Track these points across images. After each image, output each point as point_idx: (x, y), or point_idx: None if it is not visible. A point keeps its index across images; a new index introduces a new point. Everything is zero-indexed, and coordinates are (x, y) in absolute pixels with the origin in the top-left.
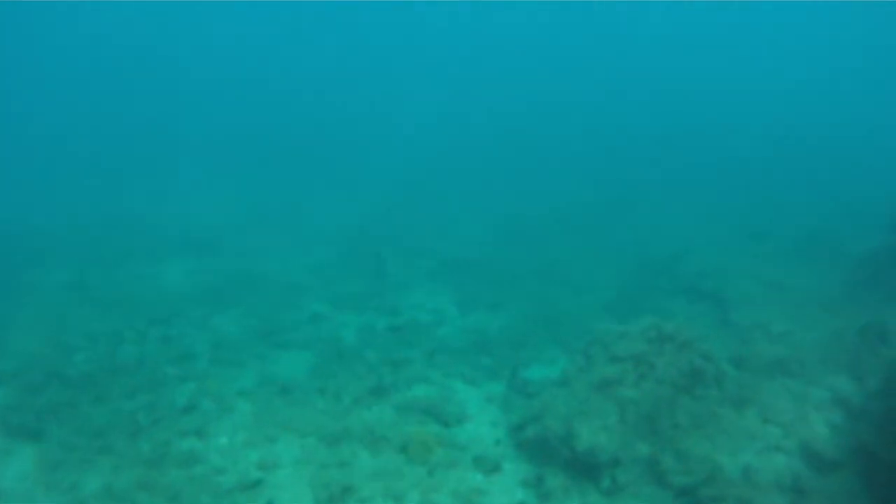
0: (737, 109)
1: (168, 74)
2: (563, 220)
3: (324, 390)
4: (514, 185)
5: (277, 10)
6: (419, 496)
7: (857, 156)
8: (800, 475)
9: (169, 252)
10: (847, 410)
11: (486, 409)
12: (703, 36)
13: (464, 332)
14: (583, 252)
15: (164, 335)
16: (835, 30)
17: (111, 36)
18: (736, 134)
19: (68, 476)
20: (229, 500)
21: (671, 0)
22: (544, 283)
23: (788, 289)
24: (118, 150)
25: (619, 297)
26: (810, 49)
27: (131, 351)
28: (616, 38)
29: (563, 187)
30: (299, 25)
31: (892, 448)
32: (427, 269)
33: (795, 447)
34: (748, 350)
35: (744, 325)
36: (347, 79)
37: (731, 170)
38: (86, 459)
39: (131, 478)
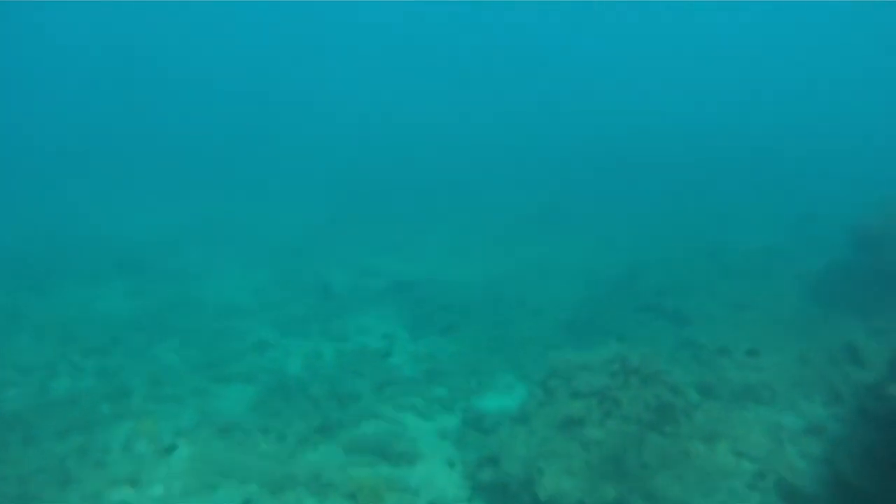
0: (687, 122)
1: (104, 83)
2: (513, 236)
3: (267, 429)
4: (463, 198)
5: (213, 15)
6: None
7: (811, 169)
8: None
9: (106, 273)
10: (822, 439)
11: (439, 446)
12: (659, 48)
13: (415, 360)
14: (535, 269)
15: (101, 367)
16: (792, 39)
17: (47, 40)
18: (686, 146)
19: None
20: None
21: (618, 5)
22: (497, 302)
23: (750, 307)
24: (52, 163)
25: (577, 317)
26: (766, 59)
27: (65, 385)
28: (562, 47)
29: (510, 201)
30: (233, 29)
31: (871, 479)
32: (376, 290)
33: (771, 485)
34: (716, 376)
35: (709, 347)
36: (291, 86)
37: (682, 183)
38: None
39: None
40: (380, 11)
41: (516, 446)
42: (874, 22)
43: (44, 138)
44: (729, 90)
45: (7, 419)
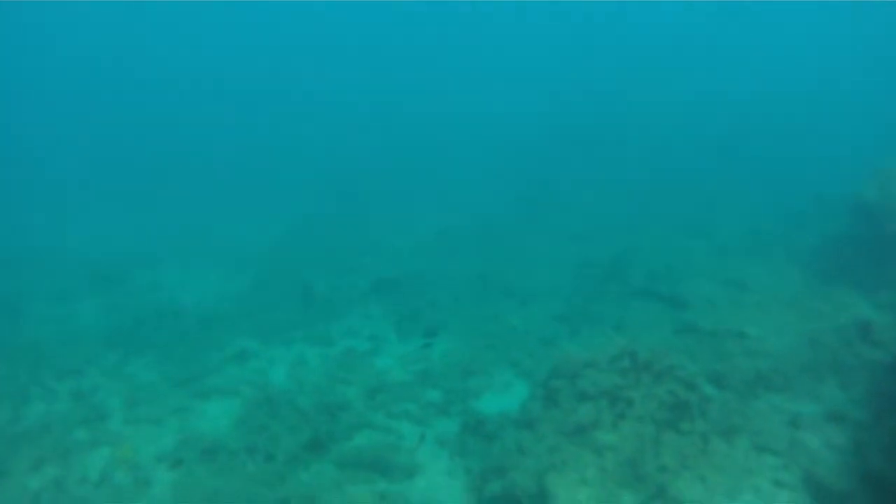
0: (665, 103)
1: (73, 88)
2: (493, 224)
3: (254, 449)
4: (440, 190)
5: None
6: None
7: (798, 147)
8: None
9: (77, 289)
10: (845, 428)
11: (438, 455)
12: (646, 31)
13: (405, 362)
14: (519, 257)
15: (75, 390)
16: (784, 24)
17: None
18: (663, 128)
19: None
20: None
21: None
22: (485, 294)
23: (749, 288)
24: (18, 177)
25: (569, 306)
26: (753, 40)
27: (38, 411)
28: (554, 31)
29: (489, 189)
30: (200, 30)
31: None
32: (359, 290)
33: (798, 479)
34: (726, 365)
35: (713, 332)
36: (265, 87)
37: (668, 164)
38: None
39: None
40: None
41: (523, 456)
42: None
43: (9, 148)
44: (708, 76)
45: None
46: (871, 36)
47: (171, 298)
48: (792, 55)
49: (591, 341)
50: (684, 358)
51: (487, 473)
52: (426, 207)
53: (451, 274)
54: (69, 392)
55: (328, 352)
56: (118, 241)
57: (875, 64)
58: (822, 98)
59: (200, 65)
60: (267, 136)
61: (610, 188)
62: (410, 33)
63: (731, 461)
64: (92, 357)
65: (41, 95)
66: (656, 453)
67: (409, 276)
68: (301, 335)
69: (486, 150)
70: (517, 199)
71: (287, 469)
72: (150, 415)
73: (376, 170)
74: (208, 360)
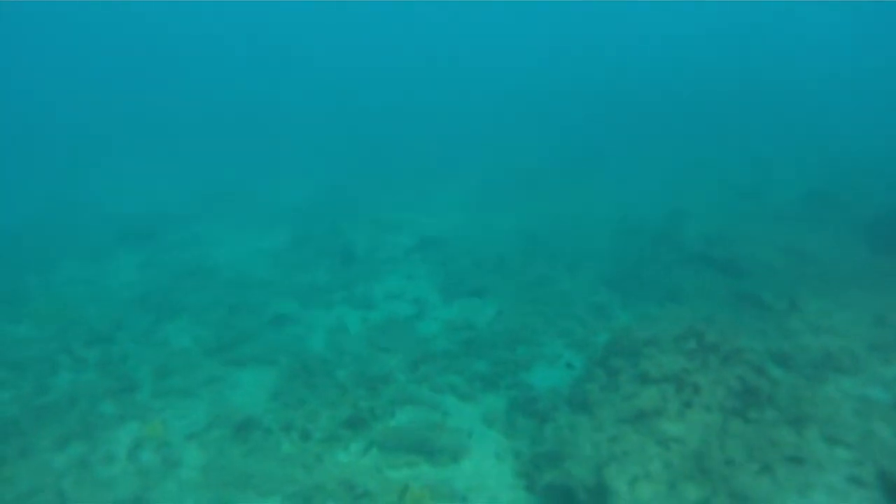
0: (712, 59)
1: (113, 49)
2: (538, 182)
3: (289, 426)
4: (488, 143)
5: None
6: None
7: (851, 112)
8: None
9: (111, 246)
10: None
11: (486, 435)
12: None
13: (450, 328)
14: (565, 216)
15: (104, 358)
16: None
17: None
18: (711, 83)
19: None
20: None
21: None
22: (531, 257)
23: (809, 257)
24: (58, 136)
25: (619, 271)
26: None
27: (65, 381)
28: None
29: (538, 147)
30: None
31: None
32: (402, 248)
33: (873, 478)
34: (792, 343)
35: (774, 305)
36: (304, 47)
37: (716, 125)
38: None
39: None
40: None
41: (580, 443)
42: None
43: (50, 110)
44: (768, 33)
45: (3, 426)
46: None
47: (206, 256)
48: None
49: (646, 311)
50: (750, 336)
51: (539, 460)
52: (470, 163)
53: (496, 231)
54: (98, 360)
55: (370, 316)
56: (153, 197)
57: None
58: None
59: (238, 24)
60: (306, 92)
61: (658, 149)
62: None
63: (800, 453)
64: (123, 321)
65: (77, 46)
66: (722, 444)
67: (453, 235)
68: (341, 297)
69: (532, 110)
70: (563, 158)
71: (324, 449)
72: (182, 386)
73: (421, 125)
74: (244, 324)
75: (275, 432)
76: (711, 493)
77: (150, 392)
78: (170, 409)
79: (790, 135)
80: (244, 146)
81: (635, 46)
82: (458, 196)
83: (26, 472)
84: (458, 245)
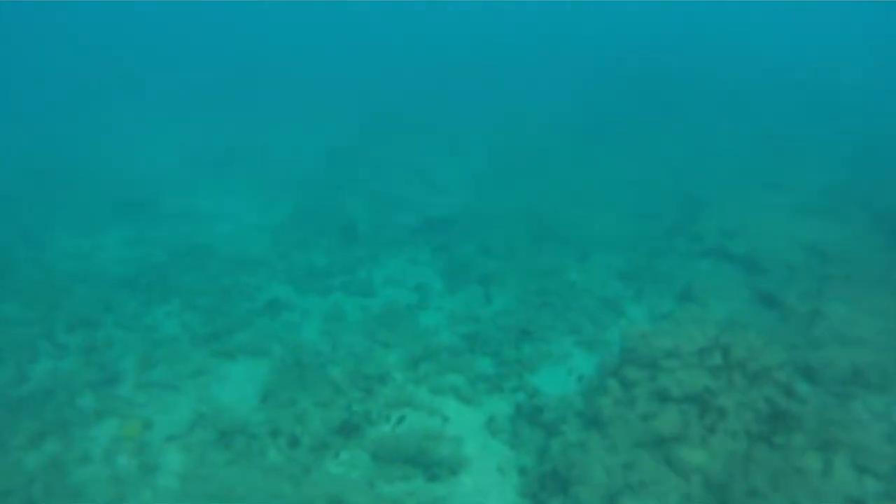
0: (735, 43)
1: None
2: (549, 160)
3: (277, 431)
4: (496, 118)
5: None
6: None
7: (870, 103)
8: None
9: (107, 217)
10: None
11: (488, 445)
12: None
13: (453, 320)
14: (576, 199)
15: (87, 344)
16: None
17: None
18: (735, 70)
19: None
20: None
21: None
22: (541, 242)
23: (831, 256)
24: (52, 92)
25: (632, 262)
26: None
27: (45, 370)
28: None
29: (548, 120)
30: None
31: None
32: (406, 229)
33: None
34: (819, 357)
35: (797, 309)
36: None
37: (731, 112)
38: None
39: None
40: None
41: (591, 466)
42: None
43: (49, 63)
44: (782, 18)
45: None
46: None
47: (202, 231)
48: None
49: (661, 308)
50: (777, 349)
51: (546, 480)
52: (477, 137)
53: (504, 212)
54: (80, 347)
55: (368, 303)
56: (151, 162)
57: None
58: None
59: None
60: (310, 57)
61: (677, 132)
62: None
63: (827, 484)
64: (110, 302)
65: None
66: (746, 473)
67: (460, 214)
68: (339, 282)
69: (542, 84)
70: (576, 137)
71: (313, 458)
72: (166, 379)
73: (425, 97)
74: (237, 310)
75: (261, 438)
76: None
77: (132, 384)
78: (152, 405)
79: (817, 124)
80: (251, 109)
81: (660, 24)
82: (466, 171)
83: None
84: (464, 227)
